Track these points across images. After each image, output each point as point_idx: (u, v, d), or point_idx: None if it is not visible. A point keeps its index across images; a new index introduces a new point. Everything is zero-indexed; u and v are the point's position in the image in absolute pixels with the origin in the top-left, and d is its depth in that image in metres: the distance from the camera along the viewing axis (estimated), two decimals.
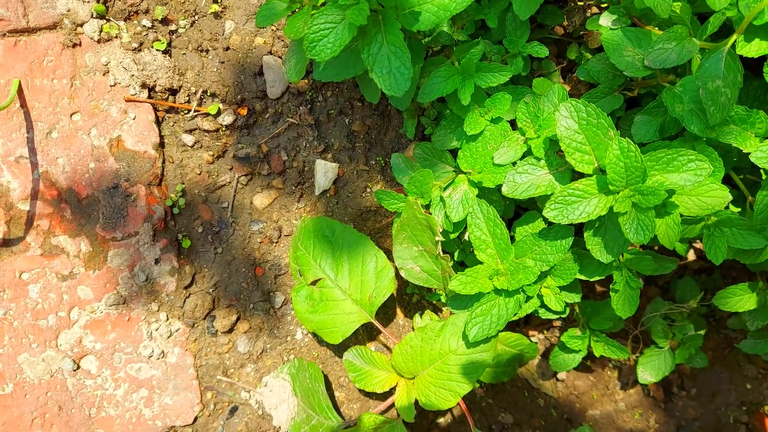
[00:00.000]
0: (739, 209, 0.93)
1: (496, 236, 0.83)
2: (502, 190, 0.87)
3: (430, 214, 0.93)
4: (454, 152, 0.99)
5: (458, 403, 0.96)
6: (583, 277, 0.93)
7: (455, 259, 1.01)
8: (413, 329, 1.19)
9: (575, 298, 0.98)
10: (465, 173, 0.93)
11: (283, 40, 1.12)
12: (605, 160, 0.75)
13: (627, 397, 1.32)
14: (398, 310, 1.21)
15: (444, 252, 0.90)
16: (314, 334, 1.16)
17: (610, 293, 0.95)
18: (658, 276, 1.27)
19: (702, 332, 1.21)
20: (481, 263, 0.88)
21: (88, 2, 1.04)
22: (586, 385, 1.30)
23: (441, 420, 1.20)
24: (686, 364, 1.20)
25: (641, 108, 0.95)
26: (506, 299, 0.85)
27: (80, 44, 1.05)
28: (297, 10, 0.85)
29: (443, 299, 1.15)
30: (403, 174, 0.95)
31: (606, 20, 0.90)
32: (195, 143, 1.12)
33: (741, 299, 1.04)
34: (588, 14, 1.04)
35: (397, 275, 1.01)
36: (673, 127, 0.86)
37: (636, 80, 0.91)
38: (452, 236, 0.92)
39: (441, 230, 0.86)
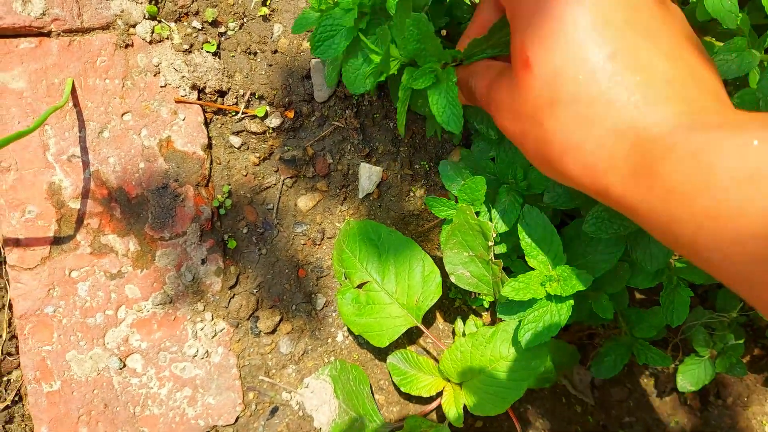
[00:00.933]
0: None
1: (547, 242, 0.84)
2: (543, 199, 0.87)
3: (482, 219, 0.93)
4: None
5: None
6: (633, 285, 0.93)
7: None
8: (453, 333, 1.19)
9: (623, 304, 0.98)
10: (506, 183, 0.93)
11: None
12: None
13: (663, 405, 1.32)
14: (438, 314, 1.21)
15: (495, 257, 0.90)
16: (360, 337, 1.16)
17: (660, 301, 0.95)
18: (697, 285, 1.26)
19: (742, 341, 1.21)
20: (532, 269, 0.88)
21: (141, 3, 1.05)
22: (622, 392, 1.30)
23: (482, 425, 1.20)
24: (726, 373, 1.20)
25: None
26: (558, 305, 0.85)
27: (132, 45, 1.06)
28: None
29: (485, 304, 1.16)
30: (451, 181, 0.95)
31: None
32: (242, 145, 1.13)
33: None
34: None
35: (444, 280, 1.02)
36: None
37: None
38: (498, 249, 0.92)
39: (494, 235, 0.86)
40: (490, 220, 0.89)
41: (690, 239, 0.50)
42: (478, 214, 0.90)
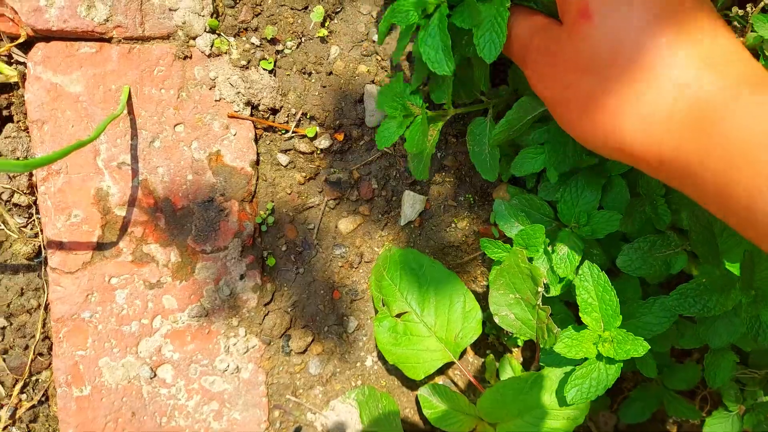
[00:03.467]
0: None
1: (604, 301, 0.83)
2: (617, 262, 0.88)
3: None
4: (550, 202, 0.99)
5: None
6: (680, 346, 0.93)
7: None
8: (483, 367, 1.18)
9: (664, 360, 0.98)
10: (568, 227, 0.93)
11: (386, 70, 1.13)
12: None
13: None
14: (469, 347, 1.21)
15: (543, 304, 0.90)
16: (388, 364, 1.16)
17: (705, 363, 0.95)
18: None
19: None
20: (581, 324, 0.88)
21: (203, 16, 1.05)
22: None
23: None
24: (753, 430, 1.20)
25: None
26: (608, 366, 0.84)
27: (191, 57, 1.06)
28: (410, 125, 0.89)
29: (519, 343, 1.15)
30: (505, 221, 0.95)
31: None
32: (289, 163, 1.12)
33: None
34: None
35: (488, 319, 1.01)
36: None
37: None
38: (553, 291, 0.92)
39: (545, 281, 0.86)
40: (550, 264, 0.88)
41: (747, 202, 0.49)
42: (531, 259, 0.89)
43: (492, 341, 1.19)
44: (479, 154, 0.95)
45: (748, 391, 1.18)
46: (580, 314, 0.82)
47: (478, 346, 1.21)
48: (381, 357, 1.17)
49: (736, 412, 1.18)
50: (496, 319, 0.94)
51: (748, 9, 0.96)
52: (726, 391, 1.17)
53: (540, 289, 0.88)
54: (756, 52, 0.93)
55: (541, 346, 0.90)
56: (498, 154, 0.94)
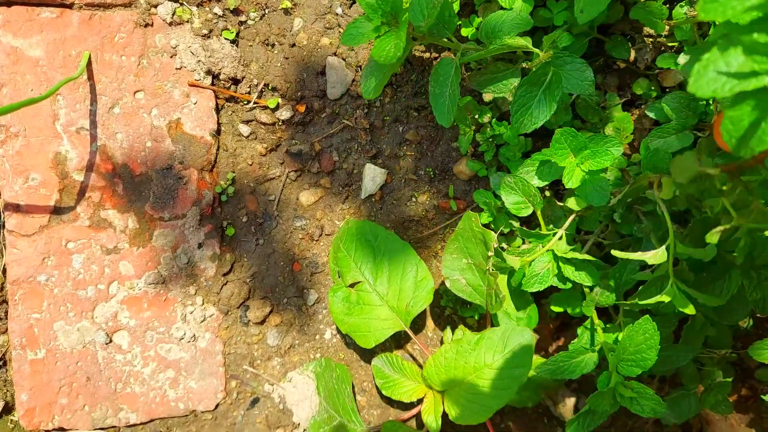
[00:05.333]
0: None
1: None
2: None
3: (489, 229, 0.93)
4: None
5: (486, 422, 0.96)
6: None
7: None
8: (441, 342, 1.19)
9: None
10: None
11: None
12: None
13: None
14: (429, 323, 1.21)
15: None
16: (347, 337, 1.16)
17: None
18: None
19: (730, 380, 1.20)
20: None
21: None
22: (606, 420, 1.29)
23: None
24: (711, 410, 1.19)
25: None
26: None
27: (152, 24, 1.06)
28: (385, 32, 0.87)
29: (476, 317, 1.16)
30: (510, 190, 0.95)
31: (684, 60, 0.90)
32: (250, 134, 1.13)
33: None
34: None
35: (437, 289, 1.02)
36: None
37: (709, 121, 0.92)
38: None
39: (496, 246, 0.86)
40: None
41: None
42: (488, 225, 0.90)
43: (450, 314, 1.19)
44: (440, 96, 0.94)
45: (705, 371, 1.18)
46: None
47: (438, 321, 1.21)
48: (339, 329, 1.18)
49: (693, 392, 1.18)
50: (448, 283, 0.95)
51: None
52: (685, 371, 1.17)
53: (491, 254, 0.88)
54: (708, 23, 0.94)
55: (490, 311, 0.90)
56: (457, 97, 0.92)
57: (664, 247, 0.82)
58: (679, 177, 0.78)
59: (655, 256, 0.82)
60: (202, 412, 1.14)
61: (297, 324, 1.17)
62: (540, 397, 1.13)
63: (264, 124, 1.13)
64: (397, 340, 1.19)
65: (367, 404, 1.19)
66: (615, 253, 0.83)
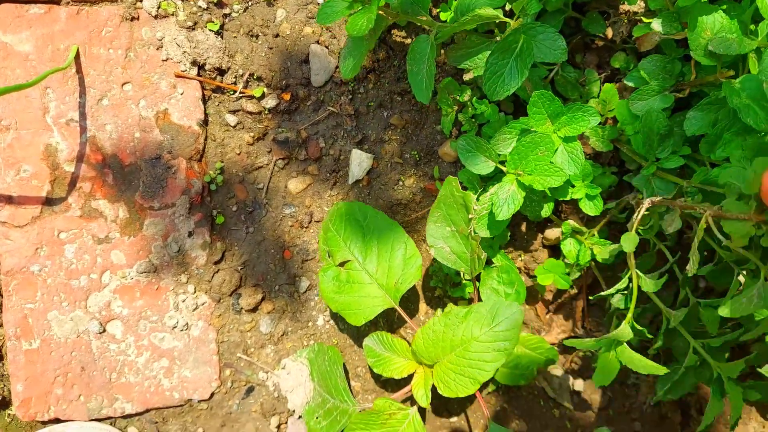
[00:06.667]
0: None
1: None
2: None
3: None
4: None
5: (475, 396, 0.96)
6: None
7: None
8: None
9: None
10: (513, 173, 0.95)
11: (330, 31, 1.16)
12: None
13: (643, 417, 1.30)
14: (421, 305, 1.22)
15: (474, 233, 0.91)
16: (339, 322, 1.17)
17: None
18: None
19: (726, 354, 1.20)
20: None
21: None
22: (603, 400, 1.29)
23: (455, 413, 1.19)
24: (708, 385, 1.19)
25: (685, 114, 0.96)
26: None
27: (138, 18, 1.09)
28: (358, 9, 0.89)
29: (466, 296, 1.16)
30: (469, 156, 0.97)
31: (657, 25, 0.92)
32: (237, 124, 1.15)
33: None
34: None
35: (435, 273, 1.02)
36: (725, 120, 0.88)
37: (688, 79, 0.93)
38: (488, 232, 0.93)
39: (475, 208, 0.87)
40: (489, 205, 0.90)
41: None
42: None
43: (439, 295, 1.20)
44: (417, 74, 0.96)
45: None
46: None
47: (430, 303, 1.21)
48: (332, 313, 1.18)
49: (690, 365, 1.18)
50: (433, 251, 0.96)
51: None
52: (675, 345, 1.17)
53: (471, 216, 0.89)
54: None
55: (473, 276, 0.91)
56: (433, 72, 0.95)
57: None
58: (736, 242, 0.81)
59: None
60: (198, 402, 1.14)
61: (289, 311, 1.18)
62: (533, 375, 1.12)
63: (250, 113, 1.15)
64: (390, 323, 1.20)
65: (361, 389, 1.19)
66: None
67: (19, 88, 0.90)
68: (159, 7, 1.09)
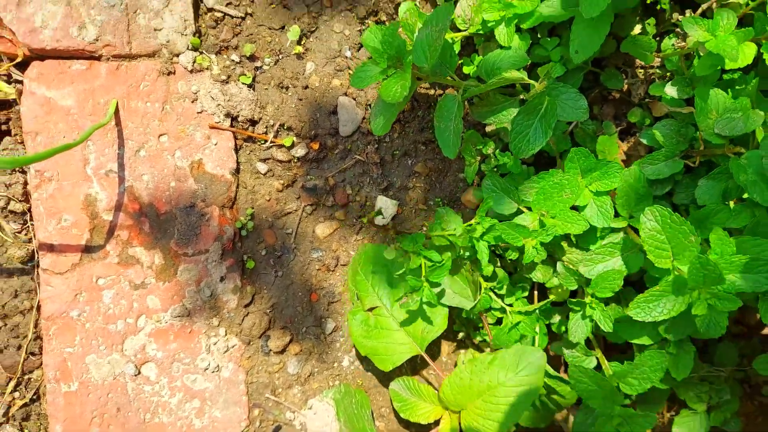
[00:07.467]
0: None
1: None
2: (580, 269, 0.94)
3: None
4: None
5: None
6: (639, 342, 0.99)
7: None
8: (456, 366, 1.23)
9: None
10: (536, 213, 0.99)
11: None
12: (686, 265, 0.83)
13: None
14: (443, 346, 1.25)
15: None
16: (365, 362, 1.21)
17: (667, 353, 0.99)
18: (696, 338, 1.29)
19: (737, 397, 1.23)
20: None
21: (186, 35, 1.14)
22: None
23: None
24: (720, 427, 1.22)
25: (697, 174, 1.00)
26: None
27: (174, 72, 1.14)
28: (392, 74, 0.94)
29: (488, 339, 1.20)
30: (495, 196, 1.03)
31: (671, 90, 0.96)
32: (268, 171, 1.20)
33: None
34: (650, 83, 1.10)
35: (458, 317, 1.06)
36: (735, 193, 0.92)
37: (698, 148, 0.97)
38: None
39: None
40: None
41: None
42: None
43: (463, 338, 1.24)
44: (444, 130, 1.01)
45: (713, 389, 1.21)
46: None
47: (452, 347, 1.25)
48: (358, 354, 1.22)
49: (702, 410, 1.21)
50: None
51: (687, 14, 1.03)
52: (686, 393, 1.20)
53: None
54: (694, 54, 1.00)
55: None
56: (461, 130, 0.99)
57: None
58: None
59: None
60: None
61: (316, 352, 1.22)
62: (552, 417, 1.16)
63: (280, 161, 1.20)
64: (413, 366, 1.24)
65: (385, 429, 1.23)
66: None
67: (67, 147, 0.94)
68: (194, 62, 1.14)
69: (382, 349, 1.07)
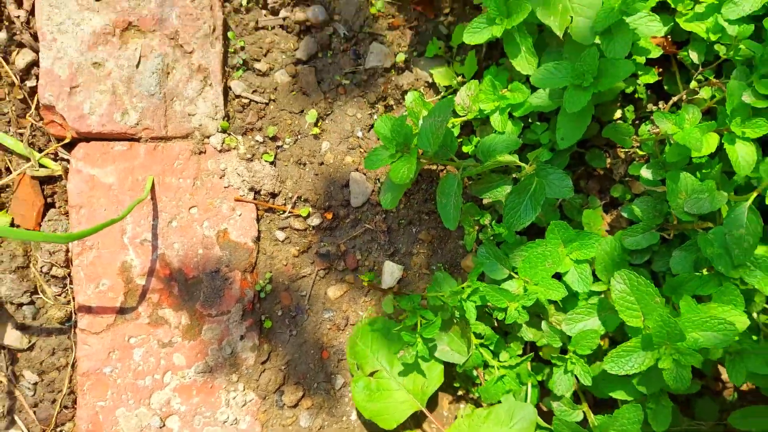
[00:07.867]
0: (756, 338, 1.08)
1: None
2: (563, 327, 1.06)
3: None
4: None
5: None
6: (618, 396, 1.09)
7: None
8: (455, 419, 1.32)
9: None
10: (522, 280, 1.11)
11: None
12: (651, 323, 0.94)
13: None
14: (444, 402, 1.35)
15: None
16: (370, 421, 1.30)
17: (647, 410, 1.09)
18: (679, 394, 1.39)
19: None
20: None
21: (216, 119, 1.28)
22: None
23: None
24: None
25: (672, 245, 1.12)
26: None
27: (205, 152, 1.28)
28: (398, 158, 1.08)
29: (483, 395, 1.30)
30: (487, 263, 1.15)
31: (646, 172, 1.10)
32: (285, 239, 1.32)
33: (760, 420, 1.17)
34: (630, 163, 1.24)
35: (457, 374, 1.17)
36: (705, 264, 1.04)
37: (672, 222, 1.10)
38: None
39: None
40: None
41: None
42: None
43: (462, 394, 1.33)
44: (446, 205, 1.14)
45: None
46: None
47: (451, 402, 1.35)
48: (361, 417, 1.32)
49: None
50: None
51: (660, 105, 1.17)
52: None
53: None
54: (665, 142, 1.14)
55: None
56: (460, 205, 1.12)
57: None
58: None
59: None
60: None
61: (326, 407, 1.32)
62: None
63: (297, 230, 1.32)
64: (416, 420, 1.33)
65: None
66: None
67: (111, 223, 1.07)
68: (223, 143, 1.28)
69: (384, 409, 1.18)
